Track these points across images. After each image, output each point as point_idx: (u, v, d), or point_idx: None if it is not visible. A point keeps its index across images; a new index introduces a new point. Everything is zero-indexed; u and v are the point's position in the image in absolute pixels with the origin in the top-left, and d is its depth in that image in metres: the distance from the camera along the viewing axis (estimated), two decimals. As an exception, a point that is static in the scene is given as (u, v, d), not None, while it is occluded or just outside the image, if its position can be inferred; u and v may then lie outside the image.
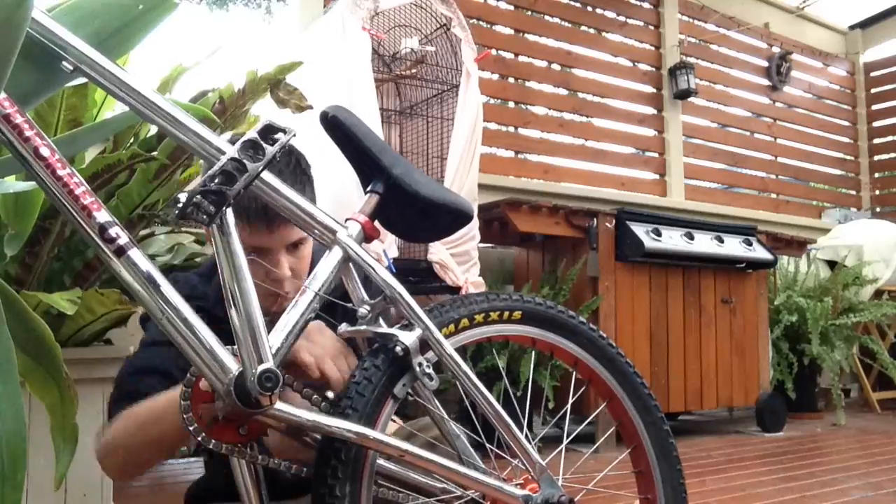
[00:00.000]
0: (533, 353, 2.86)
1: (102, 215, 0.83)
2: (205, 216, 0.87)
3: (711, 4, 5.15)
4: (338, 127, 1.03)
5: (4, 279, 1.58)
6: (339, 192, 2.48)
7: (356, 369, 0.96)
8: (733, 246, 3.53)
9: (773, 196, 5.53)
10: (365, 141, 1.03)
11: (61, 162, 0.83)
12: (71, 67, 0.88)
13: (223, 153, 0.90)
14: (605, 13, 4.71)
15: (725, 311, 3.57)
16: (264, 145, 0.91)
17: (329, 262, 0.98)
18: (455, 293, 2.79)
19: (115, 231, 0.83)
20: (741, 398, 3.61)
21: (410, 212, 1.05)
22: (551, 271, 3.30)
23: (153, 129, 1.90)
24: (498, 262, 3.50)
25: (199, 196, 0.87)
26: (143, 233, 1.95)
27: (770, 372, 3.77)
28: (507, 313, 1.11)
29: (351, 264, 1.00)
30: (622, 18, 4.78)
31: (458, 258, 2.77)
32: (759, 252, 3.61)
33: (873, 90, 6.09)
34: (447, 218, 1.08)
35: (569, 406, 1.30)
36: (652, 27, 4.92)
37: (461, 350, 1.04)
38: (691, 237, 3.39)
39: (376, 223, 1.05)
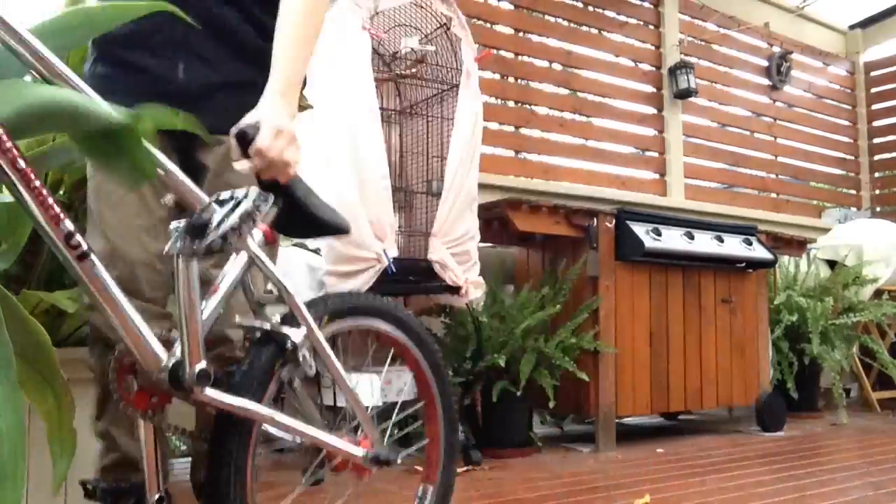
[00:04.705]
0: (533, 353, 2.87)
1: (67, 225, 0.95)
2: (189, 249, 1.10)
3: (711, 4, 5.14)
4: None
5: (5, 278, 1.58)
6: (341, 193, 2.48)
7: (248, 357, 1.19)
8: (733, 245, 3.53)
9: (773, 195, 5.53)
10: None
11: (34, 173, 0.92)
12: None
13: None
14: (606, 13, 4.71)
15: (725, 310, 3.57)
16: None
17: (238, 262, 1.19)
18: (455, 293, 2.79)
19: (77, 239, 0.97)
20: (741, 398, 3.61)
21: (299, 221, 1.27)
22: (551, 271, 3.30)
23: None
24: (498, 262, 3.50)
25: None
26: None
27: (770, 371, 3.77)
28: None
29: (254, 266, 1.21)
30: (623, 18, 4.78)
31: (459, 258, 2.77)
32: (759, 252, 3.61)
33: (873, 90, 6.09)
34: (326, 229, 1.35)
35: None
36: (652, 27, 4.92)
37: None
38: (691, 237, 3.39)
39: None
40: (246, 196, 1.16)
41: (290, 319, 1.23)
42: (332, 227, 1.30)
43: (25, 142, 1.53)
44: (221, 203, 1.17)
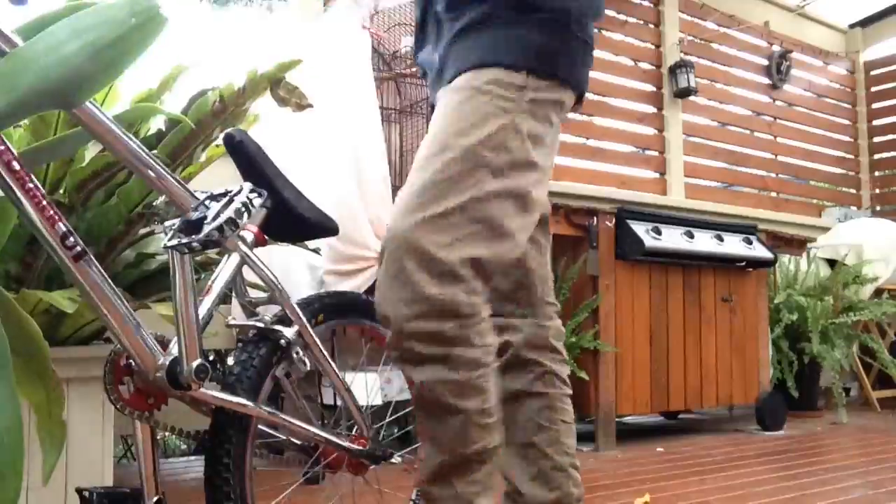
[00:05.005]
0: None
1: (62, 226, 0.97)
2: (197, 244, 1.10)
3: (711, 3, 5.14)
4: (241, 150, 1.26)
5: (4, 278, 1.58)
6: (341, 193, 2.49)
7: (243, 354, 1.21)
8: (733, 244, 3.53)
9: (773, 195, 5.53)
10: (264, 165, 1.26)
11: (29, 175, 0.93)
12: None
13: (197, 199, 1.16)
14: (606, 12, 4.70)
15: (725, 309, 3.57)
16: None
17: (230, 263, 1.22)
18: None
19: (73, 240, 0.98)
20: (741, 397, 3.61)
21: (288, 224, 1.30)
22: (551, 270, 3.30)
23: (153, 128, 1.90)
24: (498, 261, 3.50)
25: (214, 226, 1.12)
26: (142, 231, 1.94)
27: (770, 370, 3.77)
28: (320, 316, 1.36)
29: (246, 265, 1.23)
30: (623, 17, 4.77)
31: (458, 257, 2.76)
32: (760, 251, 3.61)
33: (873, 88, 6.08)
34: (315, 231, 1.34)
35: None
36: (652, 25, 4.92)
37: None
38: (691, 236, 3.39)
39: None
40: (240, 191, 1.19)
41: (283, 318, 1.26)
42: (320, 229, 1.32)
43: (24, 135, 1.54)
44: (215, 199, 1.19)
